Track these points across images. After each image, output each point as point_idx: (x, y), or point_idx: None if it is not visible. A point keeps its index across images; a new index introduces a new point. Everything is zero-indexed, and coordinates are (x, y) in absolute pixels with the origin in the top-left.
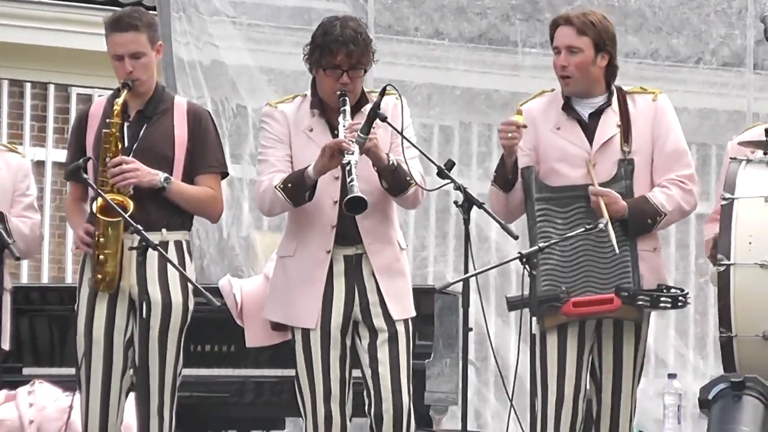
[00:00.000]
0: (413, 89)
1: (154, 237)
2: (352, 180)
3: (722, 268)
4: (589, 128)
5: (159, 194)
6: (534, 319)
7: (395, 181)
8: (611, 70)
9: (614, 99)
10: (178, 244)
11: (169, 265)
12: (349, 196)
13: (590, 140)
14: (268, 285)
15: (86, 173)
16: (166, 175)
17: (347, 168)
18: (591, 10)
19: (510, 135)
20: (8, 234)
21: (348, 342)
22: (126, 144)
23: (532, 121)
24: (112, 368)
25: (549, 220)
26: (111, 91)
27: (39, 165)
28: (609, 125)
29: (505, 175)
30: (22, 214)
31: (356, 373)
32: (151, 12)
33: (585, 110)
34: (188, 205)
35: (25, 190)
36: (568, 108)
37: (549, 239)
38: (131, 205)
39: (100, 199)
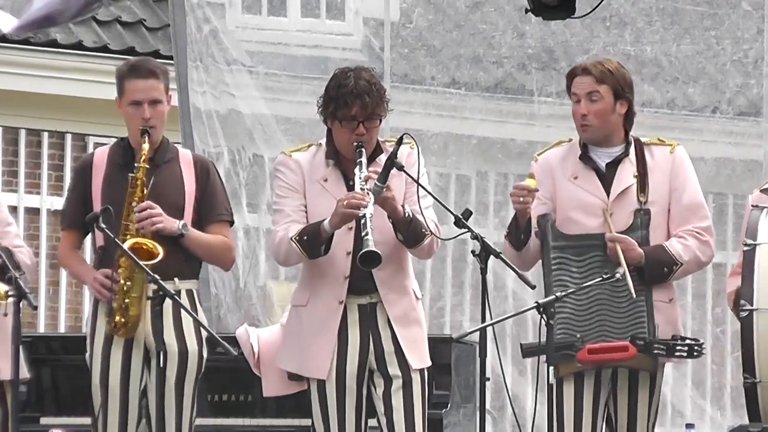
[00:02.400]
0: (429, 138)
1: (167, 286)
2: (366, 234)
3: (745, 314)
4: (606, 178)
5: (172, 243)
6: (551, 368)
7: (410, 232)
8: (629, 119)
9: (632, 149)
10: (190, 293)
11: (183, 314)
12: (363, 251)
13: (607, 190)
14: None
15: (105, 223)
16: (183, 222)
17: (362, 221)
18: (606, 59)
19: (522, 200)
20: (17, 268)
21: (363, 391)
22: (147, 191)
23: (549, 170)
24: (128, 418)
25: (565, 269)
26: (113, 140)
27: (56, 214)
28: (626, 175)
29: (518, 235)
30: (15, 244)
31: (372, 422)
32: (167, 61)
33: (602, 160)
34: (204, 253)
35: (7, 219)
36: (585, 157)
37: (565, 287)
38: (161, 251)
39: (131, 242)
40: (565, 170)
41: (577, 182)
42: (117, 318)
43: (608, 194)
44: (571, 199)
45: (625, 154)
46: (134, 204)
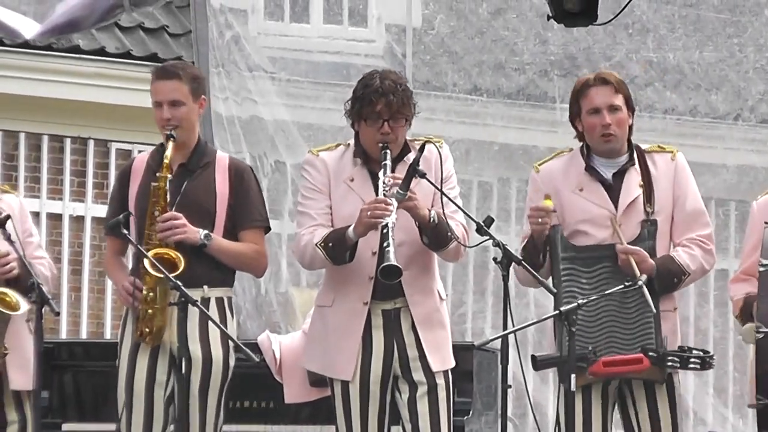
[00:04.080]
0: (451, 145)
1: (196, 293)
2: (387, 245)
3: (761, 336)
4: (612, 189)
5: (201, 251)
6: (573, 376)
7: (436, 237)
8: (631, 129)
9: (635, 157)
10: (220, 301)
11: (210, 322)
12: (383, 265)
13: (614, 201)
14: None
15: (127, 229)
16: (206, 232)
17: (384, 231)
18: (608, 71)
19: (540, 220)
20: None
21: (387, 398)
22: (168, 198)
23: (552, 181)
24: (153, 423)
25: (575, 280)
26: (152, 146)
27: (78, 220)
28: (632, 186)
29: (537, 256)
30: (36, 255)
31: (395, 429)
32: None
33: (608, 171)
34: (231, 261)
35: (30, 229)
36: (590, 169)
37: (574, 298)
38: (182, 262)
39: (152, 253)
40: (570, 182)
41: (584, 194)
42: (142, 327)
43: (616, 206)
44: (579, 212)
45: (631, 163)
46: (157, 213)
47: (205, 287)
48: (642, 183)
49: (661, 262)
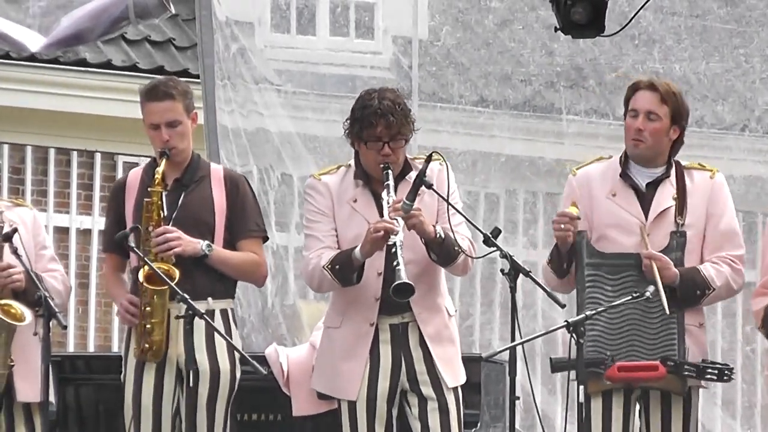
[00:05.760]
0: (458, 156)
1: (200, 306)
2: (398, 264)
3: None
4: (645, 198)
5: (203, 263)
6: (581, 387)
7: (443, 252)
8: (677, 145)
9: (672, 171)
10: (224, 313)
11: (216, 334)
12: (395, 283)
13: (645, 210)
14: (314, 354)
15: (132, 243)
16: (207, 242)
17: (393, 250)
18: (671, 81)
19: (563, 227)
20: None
21: (394, 413)
22: (165, 213)
23: (587, 185)
24: None
25: (598, 287)
26: (142, 159)
27: (85, 233)
28: (665, 197)
29: (561, 264)
30: (49, 268)
31: None
32: (195, 80)
33: (642, 179)
34: (232, 271)
35: (44, 242)
36: (625, 175)
37: (598, 305)
38: (177, 274)
39: (146, 268)
40: (604, 187)
41: (615, 200)
42: (142, 344)
43: (646, 214)
44: (608, 216)
45: (666, 175)
46: (151, 228)
47: (210, 299)
48: (676, 195)
49: (686, 272)
